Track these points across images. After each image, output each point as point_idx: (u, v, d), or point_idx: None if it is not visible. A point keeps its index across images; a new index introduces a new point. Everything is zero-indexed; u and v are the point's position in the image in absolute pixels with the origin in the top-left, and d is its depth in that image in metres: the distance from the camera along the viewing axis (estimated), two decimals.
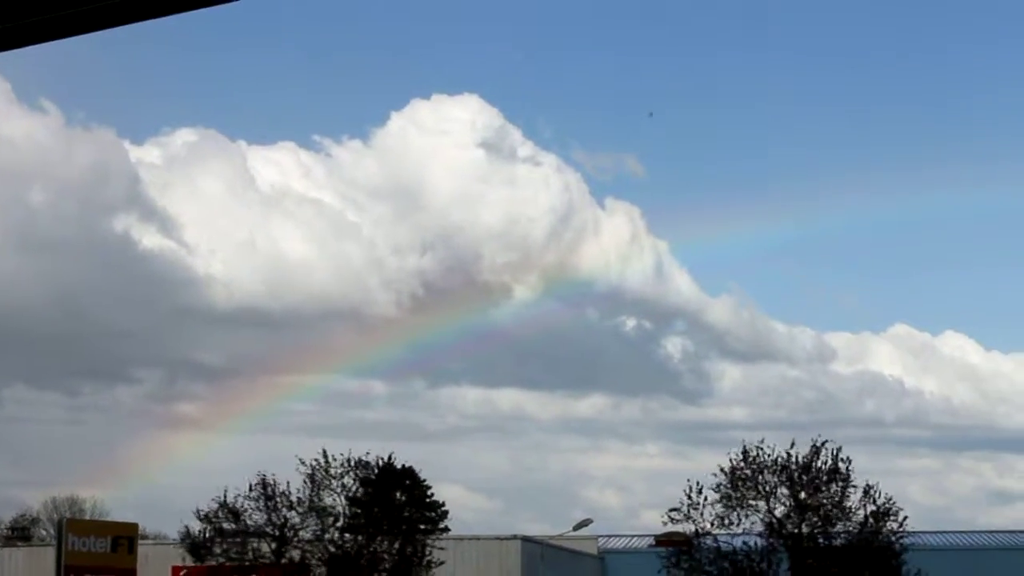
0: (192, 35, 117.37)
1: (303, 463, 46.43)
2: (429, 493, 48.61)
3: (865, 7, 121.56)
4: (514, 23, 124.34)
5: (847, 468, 44.51)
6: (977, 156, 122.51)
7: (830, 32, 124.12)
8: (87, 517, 76.82)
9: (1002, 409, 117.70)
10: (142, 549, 48.47)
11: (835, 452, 44.58)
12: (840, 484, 44.49)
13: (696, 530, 44.85)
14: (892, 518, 44.66)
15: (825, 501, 44.44)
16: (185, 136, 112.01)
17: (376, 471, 47.28)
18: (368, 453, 47.50)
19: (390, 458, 47.71)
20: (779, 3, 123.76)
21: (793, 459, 44.49)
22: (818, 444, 44.61)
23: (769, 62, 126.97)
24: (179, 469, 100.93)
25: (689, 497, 44.74)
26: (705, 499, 44.71)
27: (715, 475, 44.87)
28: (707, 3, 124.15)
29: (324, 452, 46.84)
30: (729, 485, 44.72)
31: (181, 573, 51.73)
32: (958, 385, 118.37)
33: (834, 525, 44.64)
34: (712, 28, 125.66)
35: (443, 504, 48.92)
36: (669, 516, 45.17)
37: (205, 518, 46.63)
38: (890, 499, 44.78)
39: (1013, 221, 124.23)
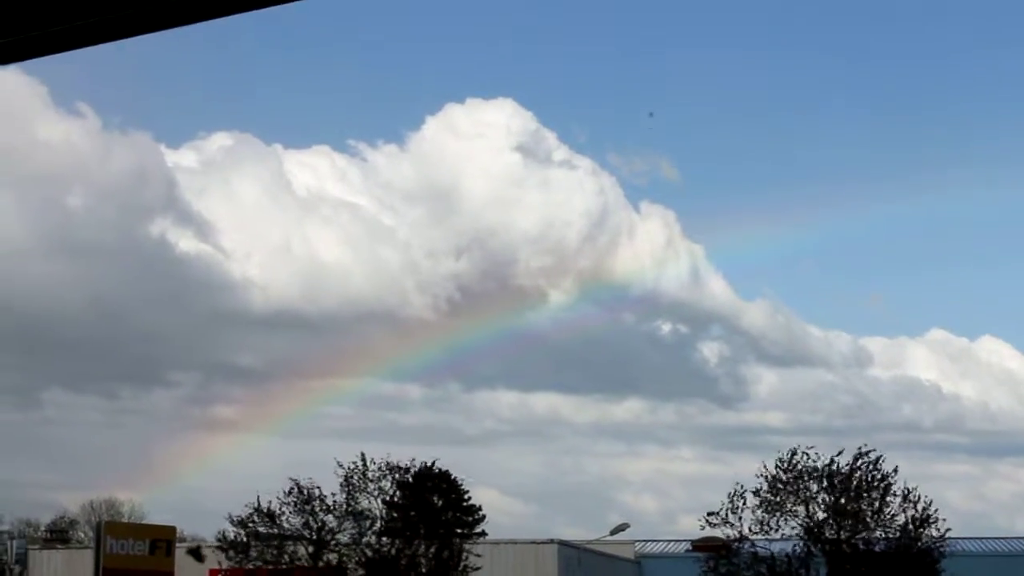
0: (226, 39, 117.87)
1: (341, 466, 46.51)
2: (466, 497, 48.61)
3: (895, 10, 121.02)
4: (548, 28, 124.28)
5: (889, 476, 44.33)
6: (1011, 155, 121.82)
7: (863, 35, 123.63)
8: (125, 520, 77.14)
9: None
10: (179, 552, 48.68)
11: (877, 459, 44.40)
12: (880, 491, 44.26)
13: (736, 535, 44.66)
14: (932, 524, 44.42)
15: (865, 507, 44.22)
16: (221, 140, 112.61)
17: (413, 474, 47.31)
18: (413, 460, 47.53)
19: (433, 464, 47.75)
20: (810, 8, 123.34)
21: (836, 466, 44.29)
22: (863, 451, 44.48)
23: (803, 65, 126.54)
24: (216, 472, 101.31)
25: (731, 501, 44.56)
26: (744, 504, 44.55)
27: (757, 477, 44.72)
28: (739, 7, 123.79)
29: (363, 456, 46.91)
30: (769, 490, 44.52)
31: None
32: (996, 391, 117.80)
33: (873, 531, 44.41)
34: (745, 33, 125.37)
35: (480, 508, 48.94)
36: (707, 520, 45.02)
37: (240, 523, 46.71)
38: (930, 504, 44.56)
39: None
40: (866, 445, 44.92)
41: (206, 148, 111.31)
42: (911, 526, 44.09)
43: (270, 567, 46.45)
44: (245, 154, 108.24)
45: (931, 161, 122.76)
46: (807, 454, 44.52)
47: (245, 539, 46.51)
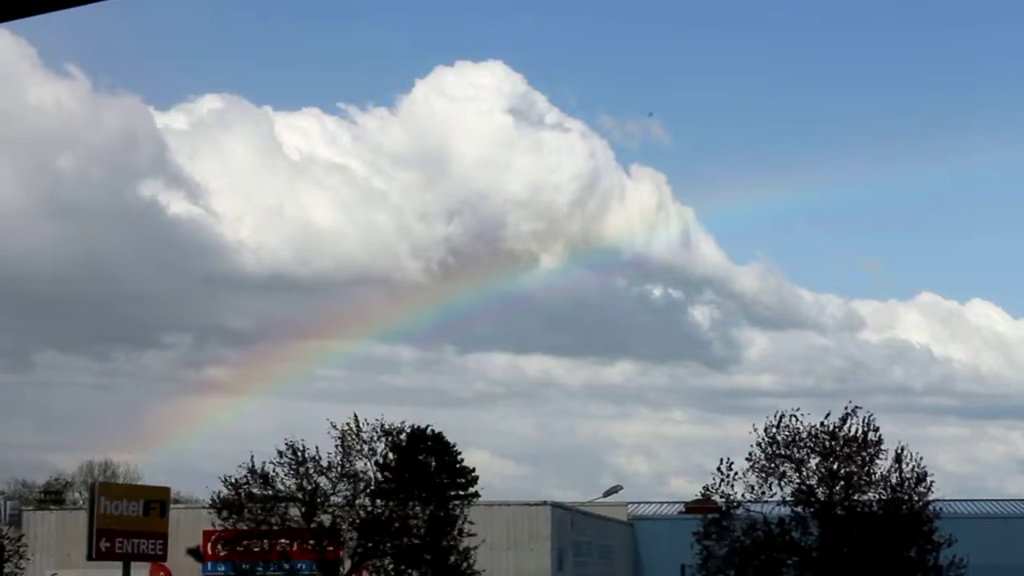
0: (213, 2, 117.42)
1: (335, 427, 46.54)
2: (459, 459, 48.70)
3: None
4: None
5: (878, 435, 44.34)
6: (1004, 123, 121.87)
7: (857, 3, 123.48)
8: (120, 481, 77.31)
9: None
10: (173, 513, 48.79)
11: (866, 419, 44.40)
12: (870, 451, 44.31)
13: (729, 500, 44.70)
14: (922, 484, 44.50)
15: (855, 468, 44.27)
16: (211, 102, 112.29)
17: (407, 436, 47.35)
18: (404, 422, 47.57)
19: (426, 428, 47.80)
20: None
21: (826, 428, 44.28)
22: (849, 410, 44.41)
23: (798, 29, 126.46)
24: (209, 433, 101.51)
25: (720, 472, 44.56)
26: (735, 473, 44.50)
27: (750, 445, 44.73)
28: None
29: (356, 417, 46.92)
30: (762, 454, 44.54)
31: (212, 537, 52.09)
32: (986, 353, 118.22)
33: (864, 492, 44.49)
34: None
35: (473, 470, 49.02)
36: (703, 494, 45.16)
37: (234, 484, 46.75)
38: (920, 462, 44.63)
39: None
40: (851, 403, 44.87)
41: (196, 110, 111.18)
42: (904, 486, 44.17)
43: (263, 528, 46.55)
44: (235, 116, 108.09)
45: (924, 128, 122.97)
46: (796, 416, 44.53)
47: (239, 500, 46.57)
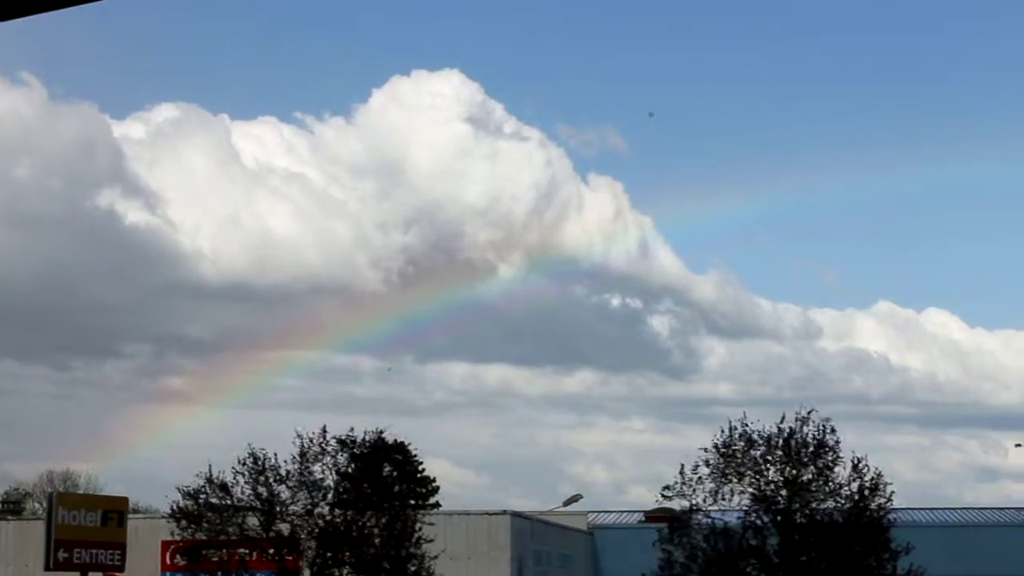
0: (169, 9, 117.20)
1: (299, 436, 46.44)
2: (420, 468, 48.67)
3: None
4: None
5: (834, 441, 44.55)
6: (958, 134, 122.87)
7: (814, 9, 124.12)
8: (81, 491, 76.90)
9: (987, 386, 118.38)
10: (132, 523, 48.57)
11: (821, 425, 44.62)
12: (828, 457, 44.51)
13: (689, 506, 44.82)
14: (880, 493, 44.73)
15: (813, 475, 44.45)
16: (167, 111, 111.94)
17: (367, 445, 47.28)
18: (363, 432, 47.48)
19: (381, 434, 47.73)
20: None
21: (781, 434, 44.46)
22: (803, 416, 44.61)
23: (753, 38, 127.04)
24: (168, 443, 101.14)
25: (682, 475, 44.71)
26: (698, 478, 44.67)
27: (705, 450, 44.85)
28: None
29: (324, 428, 46.85)
30: (721, 460, 44.69)
31: (170, 547, 51.91)
32: (943, 362, 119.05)
33: (823, 500, 44.68)
34: (695, 5, 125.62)
35: (434, 479, 49.05)
36: (662, 495, 45.18)
37: (192, 493, 46.59)
38: (879, 474, 44.86)
39: (993, 198, 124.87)
40: (802, 408, 45.03)
41: (152, 119, 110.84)
42: (860, 495, 44.37)
43: (222, 538, 46.40)
44: (192, 125, 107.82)
45: (879, 136, 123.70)
46: (749, 424, 44.74)
47: (197, 510, 46.41)
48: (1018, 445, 36.16)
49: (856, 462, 44.57)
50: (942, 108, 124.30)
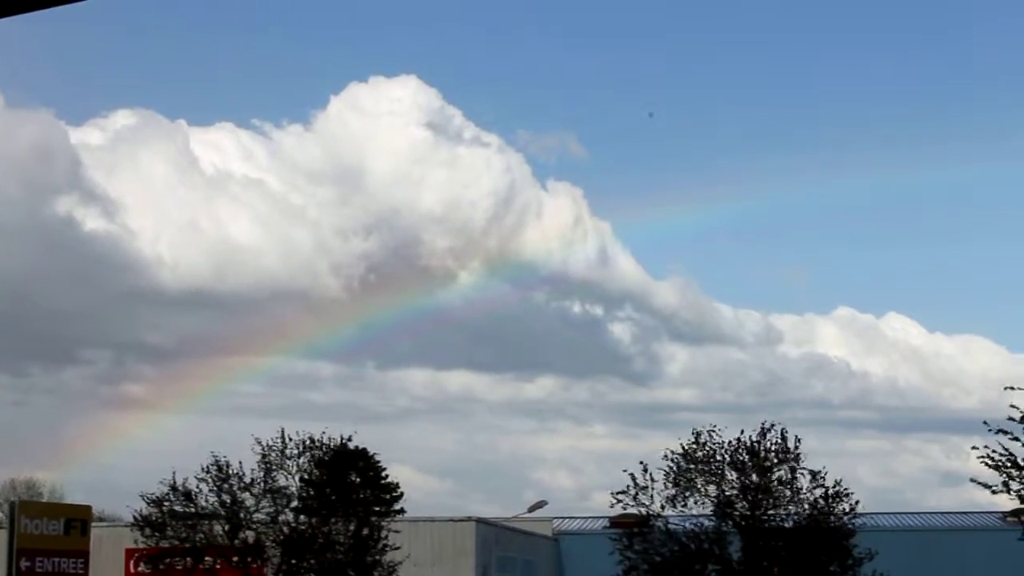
0: (125, 15, 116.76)
1: (259, 443, 46.43)
2: (384, 475, 48.64)
3: None
4: (448, 4, 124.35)
5: (795, 449, 44.80)
6: (918, 138, 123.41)
7: (773, 14, 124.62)
8: (45, 500, 76.57)
9: (947, 391, 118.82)
10: (95, 531, 48.42)
11: (782, 433, 44.88)
12: (789, 466, 44.75)
13: (648, 512, 44.99)
14: (843, 500, 44.97)
15: (775, 482, 44.68)
16: (124, 117, 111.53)
17: (331, 452, 47.27)
18: (324, 433, 47.52)
19: (344, 439, 47.73)
20: None
21: (743, 443, 44.70)
22: (766, 427, 44.91)
23: (710, 42, 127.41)
24: (129, 451, 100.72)
25: (633, 480, 44.92)
26: (653, 481, 44.89)
27: (665, 458, 45.07)
28: None
29: (283, 432, 46.83)
30: (680, 468, 44.89)
31: (134, 556, 51.76)
32: (903, 367, 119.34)
33: (785, 508, 44.90)
34: (654, 7, 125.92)
35: (398, 486, 48.97)
36: (616, 498, 45.31)
37: (155, 501, 46.49)
38: (839, 482, 45.13)
39: (952, 203, 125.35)
40: (768, 420, 45.48)
41: (109, 125, 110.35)
42: (821, 501, 44.61)
43: (186, 545, 46.32)
44: (150, 131, 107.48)
45: (836, 140, 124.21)
46: (713, 433, 44.96)
47: (161, 518, 46.31)
48: (1009, 388, 36.41)
49: (815, 473, 44.83)
50: (899, 113, 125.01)
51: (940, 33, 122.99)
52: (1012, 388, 37.28)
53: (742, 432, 44.83)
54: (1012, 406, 37.49)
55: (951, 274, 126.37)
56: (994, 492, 36.80)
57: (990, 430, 37.80)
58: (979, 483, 37.35)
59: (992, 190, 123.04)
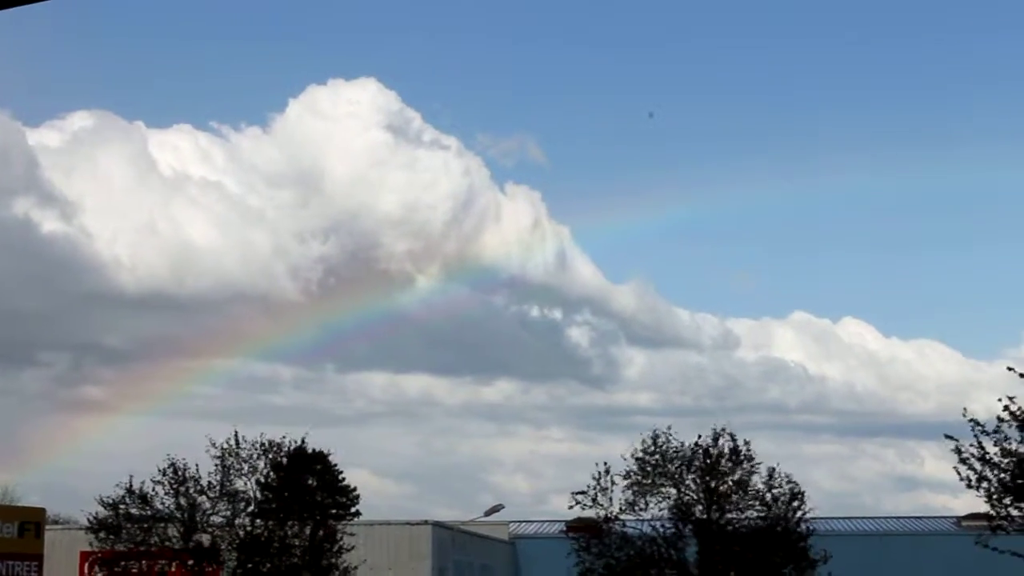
0: (82, 16, 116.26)
1: (214, 445, 46.25)
2: (341, 478, 48.52)
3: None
4: (410, 4, 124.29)
5: (748, 451, 44.98)
6: (869, 143, 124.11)
7: (727, 17, 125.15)
8: None
9: (904, 396, 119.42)
10: (49, 534, 48.09)
11: (732, 436, 45.10)
12: (744, 468, 44.92)
13: (605, 515, 45.04)
14: (798, 502, 45.13)
15: (731, 484, 44.82)
16: (81, 119, 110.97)
17: (287, 455, 47.13)
18: (283, 437, 47.36)
19: (302, 441, 47.61)
20: None
21: (699, 447, 44.85)
22: (718, 431, 45.10)
23: (668, 47, 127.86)
24: (86, 453, 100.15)
25: (597, 481, 44.96)
26: (612, 483, 44.95)
27: (624, 459, 45.16)
28: None
29: (236, 434, 46.67)
30: (638, 472, 44.97)
31: (89, 559, 51.45)
32: (859, 372, 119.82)
33: (741, 510, 45.05)
34: (609, 11, 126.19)
35: (355, 489, 48.85)
36: (575, 499, 45.31)
37: (111, 504, 46.26)
38: (792, 482, 45.30)
39: (906, 209, 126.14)
40: (718, 424, 45.70)
41: (67, 127, 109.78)
42: (778, 503, 44.76)
43: (141, 548, 46.10)
44: (108, 133, 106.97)
45: (793, 145, 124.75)
46: (670, 436, 45.07)
47: (116, 521, 46.08)
48: (1011, 369, 36.41)
49: (770, 472, 45.01)
50: (855, 118, 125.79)
51: (895, 38, 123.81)
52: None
53: (699, 436, 45.05)
54: (1006, 412, 37.06)
55: (906, 279, 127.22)
56: (969, 485, 36.83)
57: (954, 440, 37.62)
58: (963, 478, 37.13)
59: (946, 197, 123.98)
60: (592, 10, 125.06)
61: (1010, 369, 36.23)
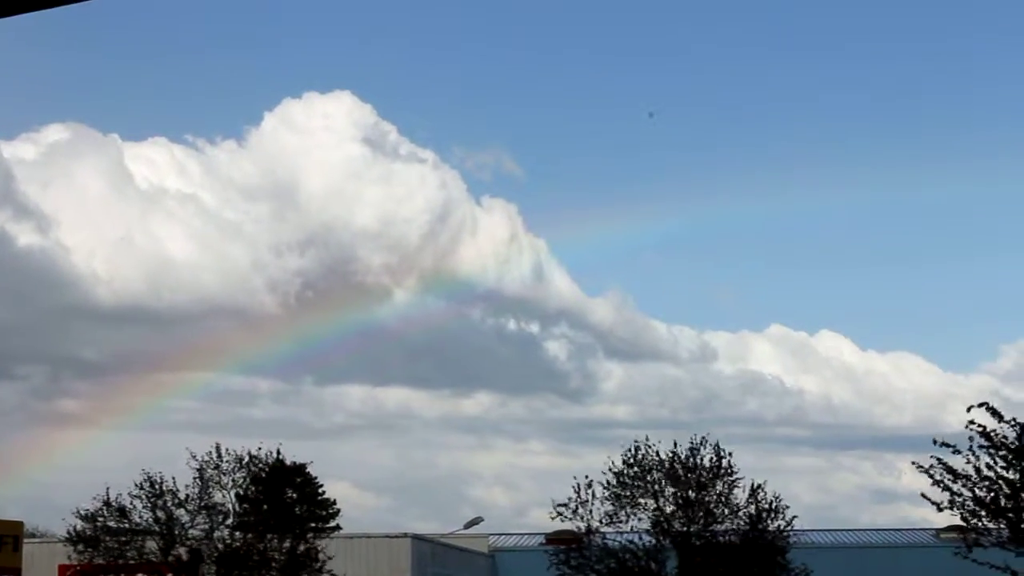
0: (56, 28, 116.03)
1: (194, 457, 46.24)
2: (320, 491, 48.50)
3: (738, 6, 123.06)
4: (385, 17, 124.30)
5: (729, 463, 45.05)
6: (846, 157, 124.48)
7: (698, 31, 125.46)
8: None
9: (880, 409, 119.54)
10: (27, 547, 47.94)
11: (716, 447, 45.16)
12: (725, 480, 44.99)
13: (586, 528, 45.10)
14: (779, 515, 45.21)
15: (712, 497, 44.90)
16: (57, 132, 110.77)
17: (267, 467, 47.11)
18: (259, 448, 47.37)
19: (278, 455, 47.57)
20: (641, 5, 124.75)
21: (678, 458, 44.92)
22: (696, 443, 45.15)
23: (642, 58, 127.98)
24: (64, 466, 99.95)
25: (577, 494, 45.02)
26: (593, 495, 45.02)
27: (604, 473, 45.21)
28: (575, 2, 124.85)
29: (217, 447, 46.66)
30: (617, 484, 45.04)
31: (68, 572, 51.27)
32: (836, 385, 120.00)
33: (721, 523, 45.11)
34: (584, 28, 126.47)
35: (334, 502, 48.85)
36: (557, 511, 45.34)
37: (88, 517, 46.20)
38: (777, 497, 45.39)
39: (882, 222, 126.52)
40: (696, 435, 45.66)
41: (42, 140, 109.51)
42: (758, 516, 44.84)
43: (120, 562, 46.01)
44: (84, 146, 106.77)
45: (768, 159, 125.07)
46: (650, 447, 45.14)
47: (95, 533, 46.00)
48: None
49: (755, 488, 45.10)
50: (831, 132, 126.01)
51: (869, 56, 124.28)
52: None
53: (676, 445, 45.11)
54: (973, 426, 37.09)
55: (883, 292, 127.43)
56: (940, 510, 36.91)
57: (939, 443, 37.64)
58: (930, 499, 37.24)
59: (923, 211, 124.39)
60: (567, 22, 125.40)
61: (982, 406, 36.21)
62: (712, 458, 44.96)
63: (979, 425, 35.71)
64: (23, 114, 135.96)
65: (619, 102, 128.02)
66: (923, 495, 36.67)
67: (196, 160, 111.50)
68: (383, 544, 57.96)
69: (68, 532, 46.81)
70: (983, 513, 36.38)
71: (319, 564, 46.81)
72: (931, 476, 36.49)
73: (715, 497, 44.94)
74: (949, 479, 36.31)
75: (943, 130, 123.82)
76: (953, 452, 36.32)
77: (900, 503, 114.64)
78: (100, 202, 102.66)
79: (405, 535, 59.15)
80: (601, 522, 45.00)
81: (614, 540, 45.69)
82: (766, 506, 44.98)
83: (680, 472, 44.84)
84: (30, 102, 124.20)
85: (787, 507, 45.48)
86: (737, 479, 45.02)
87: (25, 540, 47.65)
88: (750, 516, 44.89)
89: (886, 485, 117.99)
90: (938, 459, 36.49)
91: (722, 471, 44.92)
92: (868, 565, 73.40)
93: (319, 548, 47.08)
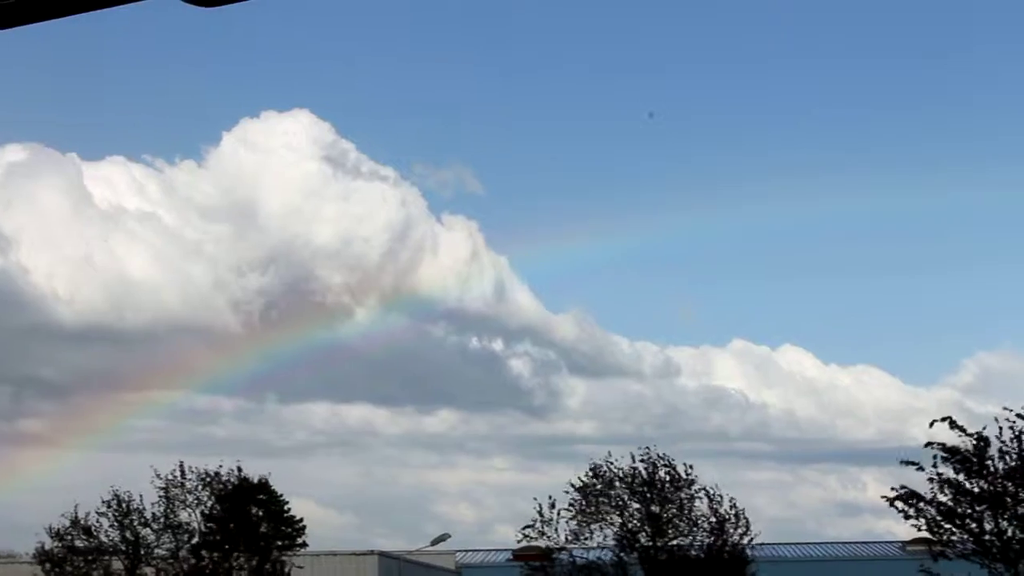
0: (9, 48, 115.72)
1: (159, 476, 46.15)
2: (286, 508, 48.45)
3: (715, 14, 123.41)
4: (343, 34, 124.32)
5: (687, 474, 45.29)
6: (805, 170, 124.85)
7: (667, 42, 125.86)
8: None
9: (843, 423, 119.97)
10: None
11: (671, 461, 45.41)
12: (686, 492, 45.22)
13: (552, 544, 45.20)
14: (740, 522, 45.43)
15: (674, 511, 45.09)
16: (14, 152, 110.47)
17: (231, 486, 47.02)
18: (220, 465, 47.31)
19: (240, 470, 47.51)
20: (609, 9, 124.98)
21: (639, 473, 45.15)
22: (654, 459, 45.36)
23: (603, 77, 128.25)
24: (27, 487, 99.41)
25: (540, 514, 45.15)
26: (558, 514, 45.14)
27: (567, 492, 45.35)
28: (538, 15, 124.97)
29: (181, 465, 46.59)
30: (582, 500, 45.18)
31: None
32: (799, 399, 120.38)
33: (686, 535, 45.28)
34: (544, 41, 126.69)
35: (300, 520, 48.80)
36: (523, 533, 45.50)
37: (57, 535, 46.08)
38: (734, 504, 45.60)
39: (844, 235, 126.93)
40: (655, 448, 45.90)
41: (0, 160, 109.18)
42: (720, 526, 45.03)
43: None
44: (41, 166, 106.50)
45: (729, 172, 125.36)
46: (612, 463, 45.37)
47: (62, 553, 45.87)
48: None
49: (710, 495, 45.32)
50: (792, 144, 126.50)
51: (831, 69, 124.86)
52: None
53: (634, 459, 45.32)
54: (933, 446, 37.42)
55: (845, 306, 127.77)
56: (907, 517, 37.18)
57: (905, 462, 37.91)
58: (900, 510, 37.53)
59: (885, 224, 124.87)
60: (528, 41, 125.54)
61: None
62: (669, 471, 45.21)
63: (939, 444, 36.15)
64: None
65: (581, 116, 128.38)
66: (890, 503, 36.99)
67: (155, 180, 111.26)
68: (350, 561, 57.89)
69: (36, 550, 46.65)
70: (947, 525, 36.70)
71: None
72: (896, 508, 36.88)
73: (677, 510, 45.13)
74: (913, 502, 36.69)
75: (907, 142, 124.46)
76: (917, 469, 36.67)
77: (865, 516, 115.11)
78: (60, 222, 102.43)
79: (372, 552, 59.09)
80: (567, 539, 45.12)
81: (580, 557, 45.78)
82: (725, 515, 45.20)
83: (643, 488, 45.00)
84: None
85: (747, 517, 45.77)
86: (697, 491, 45.28)
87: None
88: (711, 526, 45.09)
89: (850, 498, 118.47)
90: (903, 487, 36.92)
91: (681, 482, 45.14)
92: None
93: (286, 566, 47.01)
